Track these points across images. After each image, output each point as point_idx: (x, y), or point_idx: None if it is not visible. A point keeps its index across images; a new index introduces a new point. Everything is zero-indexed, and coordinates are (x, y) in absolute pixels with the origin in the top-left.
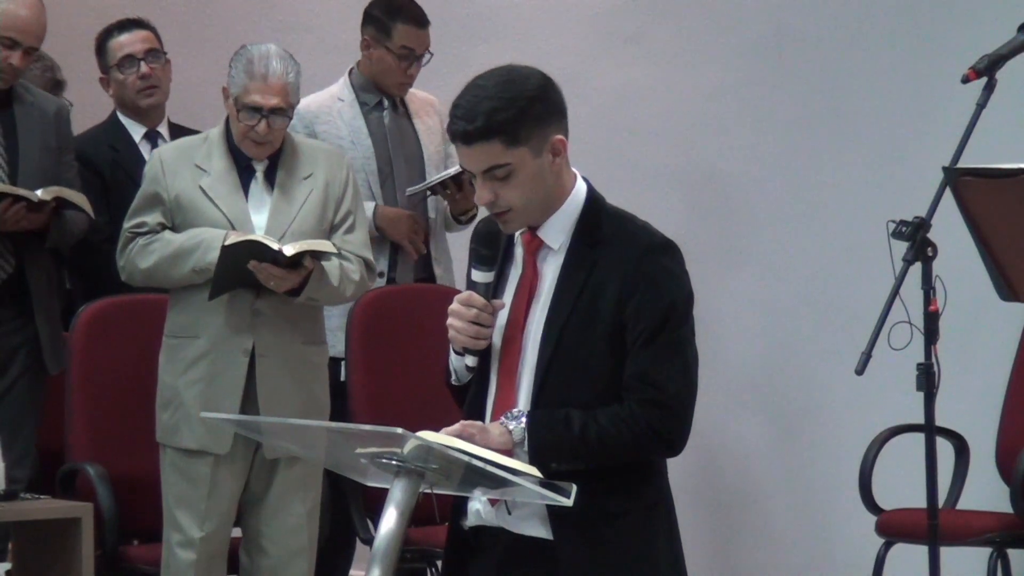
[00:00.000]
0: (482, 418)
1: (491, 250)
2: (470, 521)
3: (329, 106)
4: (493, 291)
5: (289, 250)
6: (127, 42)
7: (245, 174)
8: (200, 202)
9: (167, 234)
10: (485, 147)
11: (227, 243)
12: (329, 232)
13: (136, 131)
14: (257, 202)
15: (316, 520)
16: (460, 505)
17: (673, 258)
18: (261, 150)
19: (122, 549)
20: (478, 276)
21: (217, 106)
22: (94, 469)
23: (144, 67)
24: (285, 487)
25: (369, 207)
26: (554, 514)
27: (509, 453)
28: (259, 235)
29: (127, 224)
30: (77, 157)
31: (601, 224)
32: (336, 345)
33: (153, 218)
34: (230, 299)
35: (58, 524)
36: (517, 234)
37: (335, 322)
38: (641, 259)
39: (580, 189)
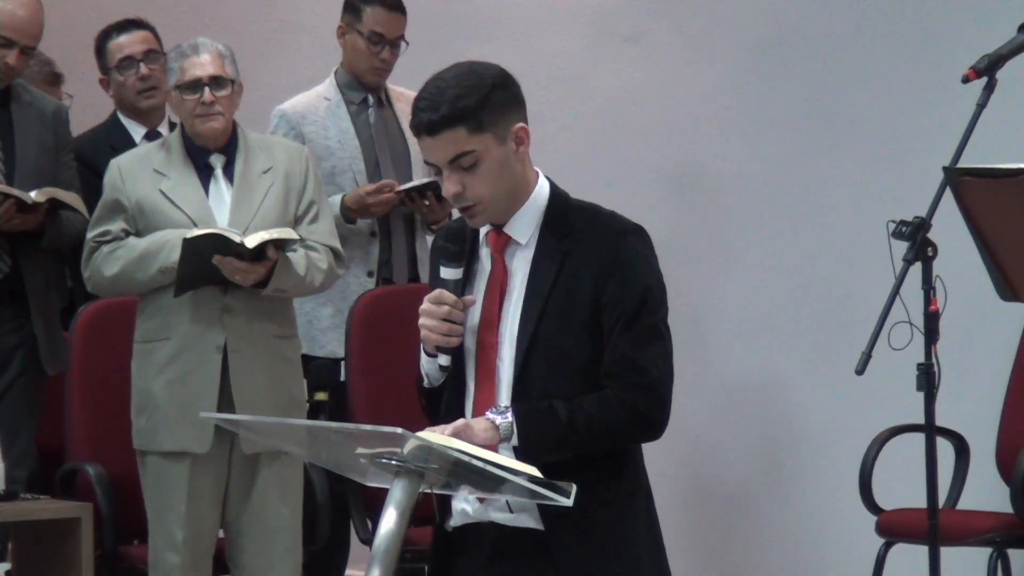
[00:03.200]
0: None
1: (459, 246)
2: (455, 521)
3: (316, 106)
4: (461, 290)
5: (251, 241)
6: (126, 43)
7: (204, 173)
8: (162, 205)
9: (131, 240)
10: (450, 135)
11: (188, 237)
12: (294, 224)
13: (136, 132)
14: (218, 199)
15: (300, 518)
16: (444, 506)
17: (644, 242)
18: (213, 125)
19: (122, 549)
20: (447, 273)
21: None
22: (94, 469)
23: (143, 68)
24: (268, 487)
25: (336, 201)
26: (544, 504)
27: (494, 448)
28: (220, 228)
29: (90, 234)
30: (77, 158)
31: (568, 215)
32: (328, 345)
33: (116, 226)
34: (199, 297)
35: (58, 524)
36: (481, 234)
37: (333, 322)
38: (614, 244)
39: (543, 184)
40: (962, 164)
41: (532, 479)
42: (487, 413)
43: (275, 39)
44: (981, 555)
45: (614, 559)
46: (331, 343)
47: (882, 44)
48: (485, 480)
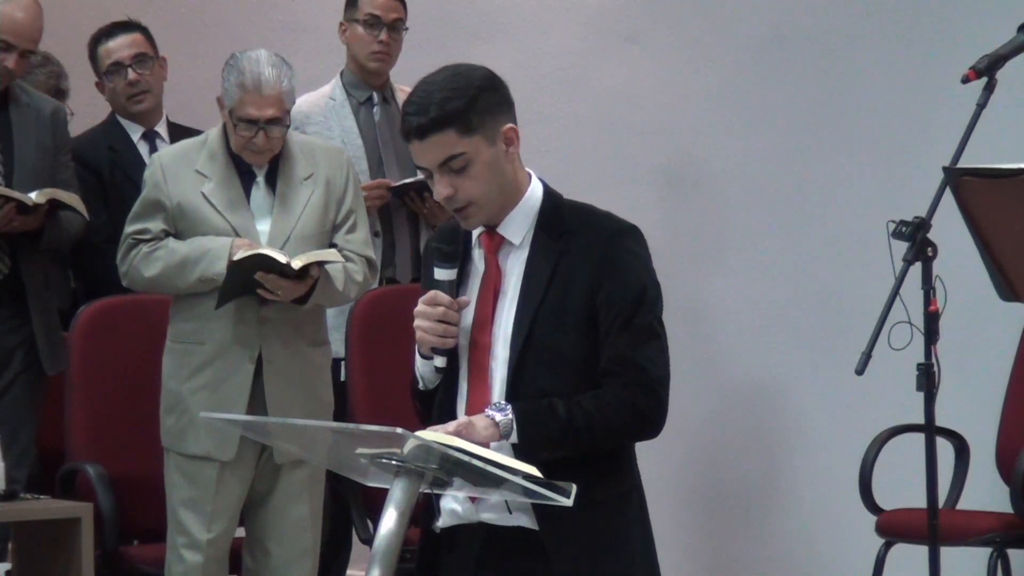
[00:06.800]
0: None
1: (452, 246)
2: (444, 522)
3: (321, 106)
4: (455, 291)
5: (297, 263)
6: (115, 48)
7: (246, 179)
8: (204, 210)
9: (171, 242)
10: (440, 138)
11: (236, 258)
12: (331, 232)
13: (134, 131)
14: (260, 208)
15: (319, 521)
16: (432, 507)
17: (638, 242)
18: (261, 158)
19: (122, 549)
20: (441, 274)
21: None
22: (94, 469)
23: (131, 74)
24: (290, 489)
25: None
26: (539, 503)
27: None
28: (267, 249)
29: (129, 229)
30: (75, 158)
31: (563, 216)
32: (333, 345)
33: (156, 225)
34: (237, 307)
35: (58, 524)
36: (474, 236)
37: (334, 322)
38: (609, 244)
39: (536, 185)
40: (962, 164)
41: (532, 479)
42: (487, 410)
43: (275, 39)
44: (981, 555)
45: (608, 558)
46: (336, 343)
47: (882, 44)
48: (486, 479)
